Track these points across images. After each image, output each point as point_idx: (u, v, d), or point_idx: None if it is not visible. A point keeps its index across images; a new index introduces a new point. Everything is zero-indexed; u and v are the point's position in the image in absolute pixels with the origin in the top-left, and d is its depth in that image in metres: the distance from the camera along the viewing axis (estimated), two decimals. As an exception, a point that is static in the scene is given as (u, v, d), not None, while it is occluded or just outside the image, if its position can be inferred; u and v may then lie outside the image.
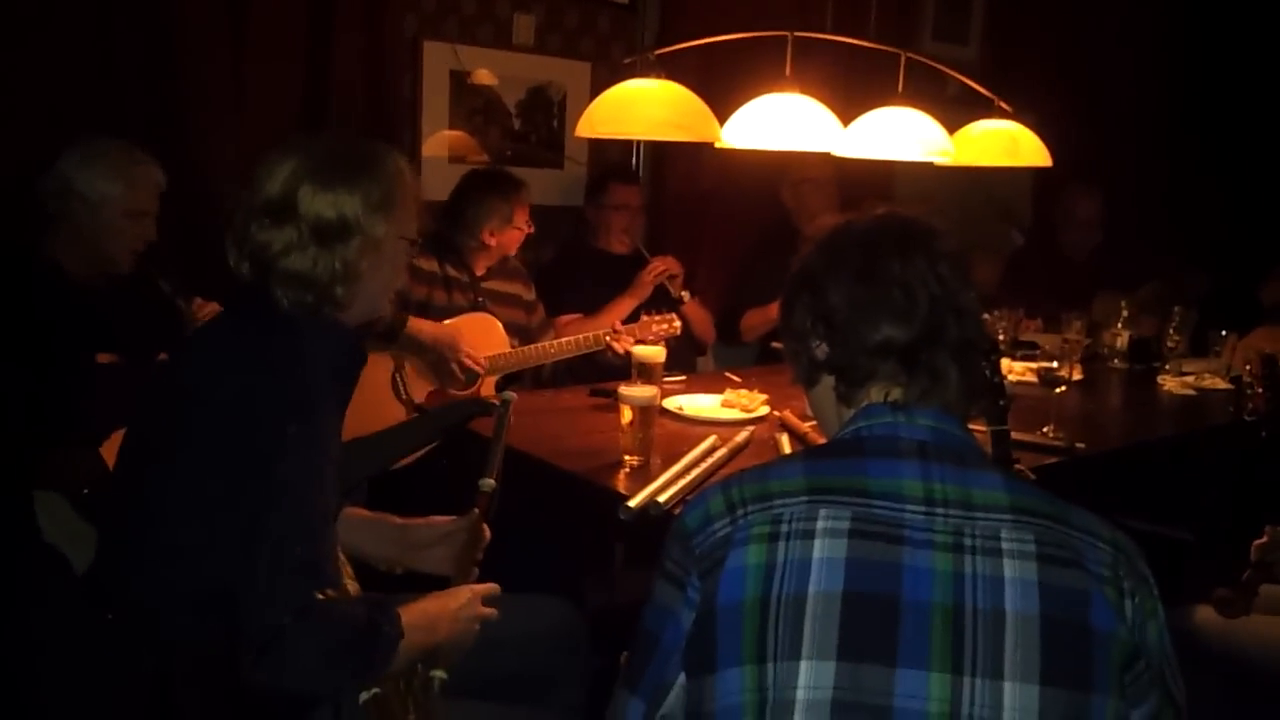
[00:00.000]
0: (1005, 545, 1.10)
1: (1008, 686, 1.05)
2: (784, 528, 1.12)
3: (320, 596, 1.38)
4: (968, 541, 1.11)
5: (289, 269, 1.54)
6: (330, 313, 1.58)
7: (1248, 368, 3.10)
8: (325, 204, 1.54)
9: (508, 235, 3.27)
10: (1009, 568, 1.09)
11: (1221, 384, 3.36)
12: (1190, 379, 3.40)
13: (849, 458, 1.19)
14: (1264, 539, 2.10)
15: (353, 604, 1.44)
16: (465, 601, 1.66)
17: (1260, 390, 2.94)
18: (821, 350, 1.27)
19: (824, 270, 1.27)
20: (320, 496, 1.46)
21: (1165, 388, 3.35)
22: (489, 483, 1.89)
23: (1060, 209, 4.26)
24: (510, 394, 2.06)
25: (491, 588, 1.72)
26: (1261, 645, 2.12)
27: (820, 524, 1.11)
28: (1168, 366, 3.47)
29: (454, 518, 1.89)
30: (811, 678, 1.06)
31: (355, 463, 2.00)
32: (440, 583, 1.73)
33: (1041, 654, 1.06)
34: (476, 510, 1.86)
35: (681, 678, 1.16)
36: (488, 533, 1.86)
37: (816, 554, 1.10)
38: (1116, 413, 3.23)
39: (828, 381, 1.29)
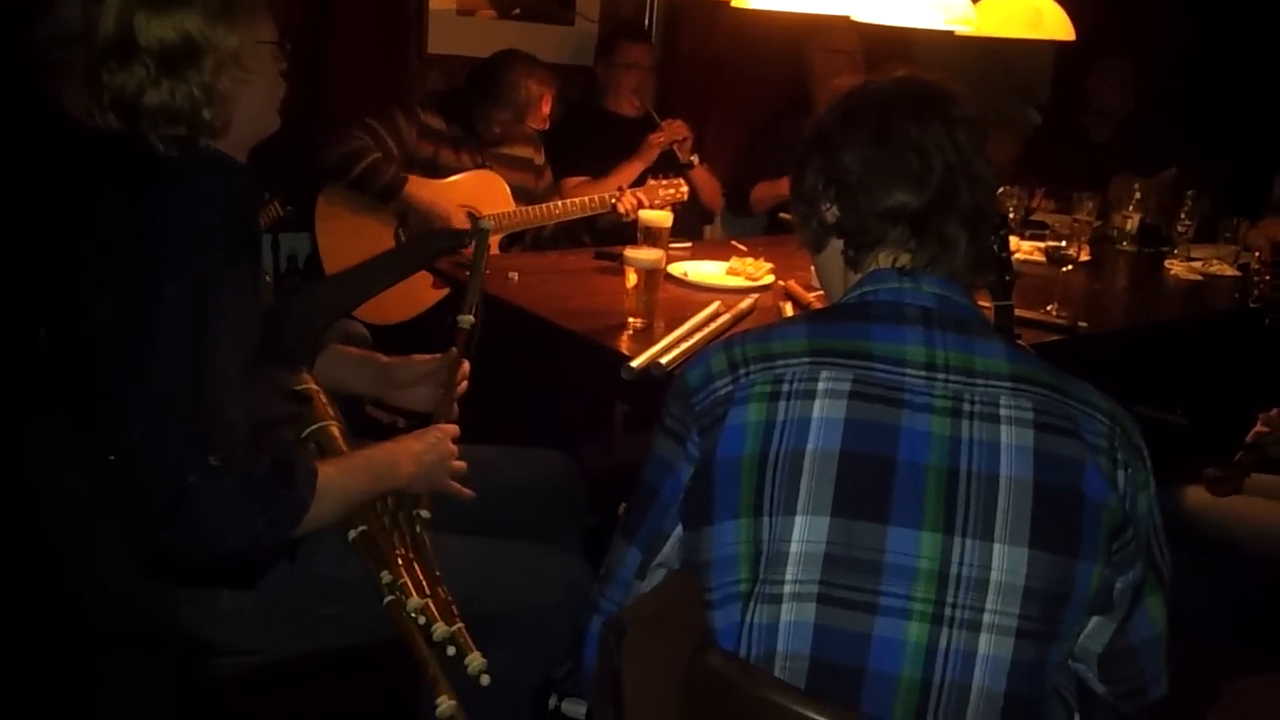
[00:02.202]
0: (1004, 412, 1.12)
1: (997, 548, 1.08)
2: (785, 387, 1.13)
3: (212, 460, 1.35)
4: (966, 407, 1.12)
5: (149, 107, 1.44)
6: (209, 142, 1.50)
7: (1256, 255, 3.09)
8: (164, 27, 1.43)
9: (525, 124, 3.35)
10: (1006, 434, 1.11)
11: (1229, 270, 3.34)
12: (1198, 264, 3.37)
13: (853, 321, 1.20)
14: (1260, 426, 2.13)
15: (255, 457, 1.41)
16: (431, 441, 1.67)
17: (1268, 277, 2.94)
18: (831, 213, 1.26)
19: (838, 131, 1.25)
20: (213, 355, 1.40)
21: (1172, 272, 3.34)
22: (468, 319, 1.88)
23: (1093, 73, 4.15)
24: (487, 223, 2.03)
25: (453, 429, 1.73)
26: (1245, 525, 2.16)
27: (821, 384, 1.12)
28: (1176, 251, 3.45)
29: (435, 356, 1.89)
30: (805, 531, 1.09)
31: (328, 300, 1.99)
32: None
33: (1032, 518, 1.09)
34: (454, 348, 1.86)
35: (678, 529, 1.20)
36: (467, 368, 1.87)
37: (816, 413, 1.11)
38: (1121, 294, 3.22)
39: (835, 245, 1.28)
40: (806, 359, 1.14)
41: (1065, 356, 2.39)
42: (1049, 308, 2.57)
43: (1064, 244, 2.72)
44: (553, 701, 1.78)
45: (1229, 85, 4.48)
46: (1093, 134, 4.18)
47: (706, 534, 1.14)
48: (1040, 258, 2.98)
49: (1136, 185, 3.56)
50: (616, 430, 3.31)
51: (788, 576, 1.09)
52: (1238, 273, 3.28)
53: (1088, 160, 3.97)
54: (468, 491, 1.72)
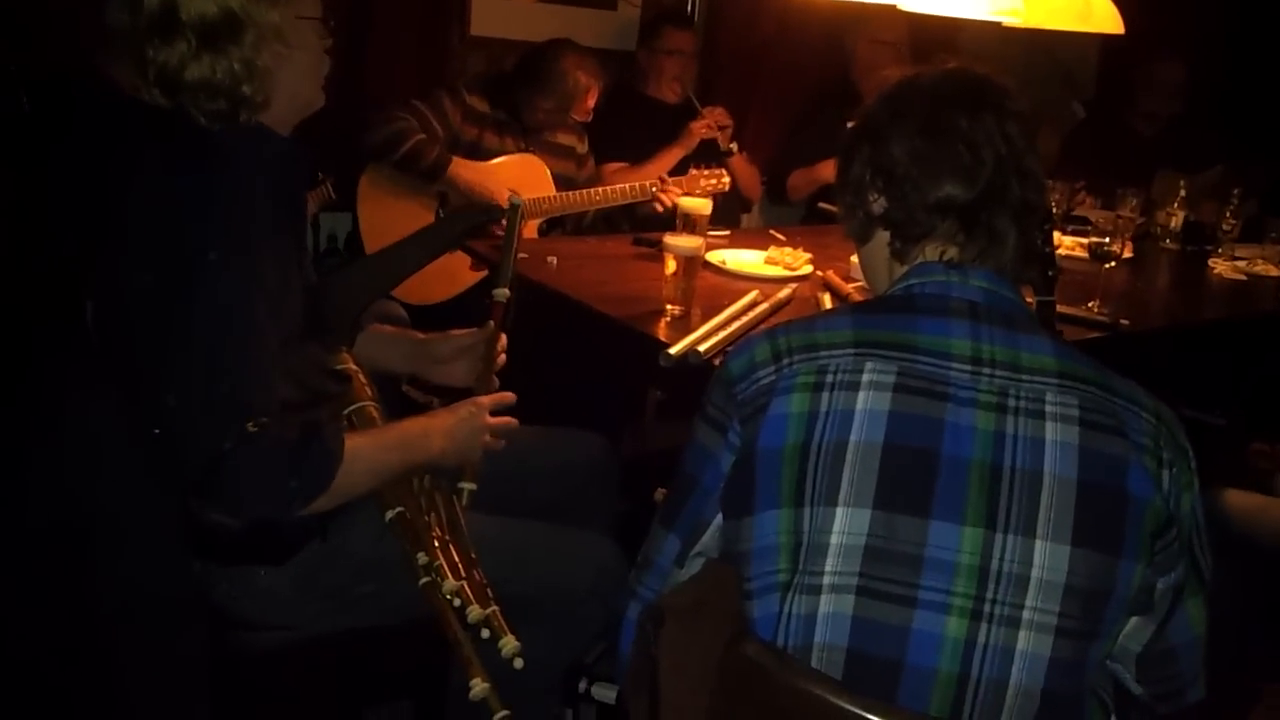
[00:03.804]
0: (1049, 408, 1.11)
1: (1039, 545, 1.07)
2: (829, 378, 1.13)
3: (250, 426, 1.37)
4: (1011, 402, 1.11)
5: (191, 81, 1.45)
6: (251, 116, 1.50)
7: (1303, 256, 3.05)
8: (206, 2, 1.44)
9: (569, 115, 3.33)
10: (1051, 430, 1.10)
11: (1274, 271, 3.30)
12: (1242, 264, 3.33)
13: (899, 313, 1.19)
14: None
15: (285, 426, 1.43)
16: (464, 415, 1.68)
17: (1315, 279, 2.90)
18: (879, 204, 1.25)
19: (887, 122, 1.24)
20: (252, 323, 1.42)
21: (1216, 271, 3.29)
22: (503, 292, 1.88)
23: (1142, 73, 4.10)
24: (518, 198, 2.03)
25: (502, 397, 1.74)
26: None
27: (866, 376, 1.12)
28: (1220, 250, 3.40)
29: (471, 330, 1.90)
30: (847, 523, 1.08)
31: (365, 280, 2.00)
32: None
33: (1075, 516, 1.08)
34: (492, 322, 1.87)
35: (718, 518, 1.20)
36: (504, 341, 1.88)
37: (860, 405, 1.11)
38: (1164, 292, 3.18)
39: (882, 237, 1.27)
40: (851, 350, 1.14)
41: (1106, 354, 2.34)
42: (1090, 304, 2.54)
43: (1107, 240, 2.69)
44: (583, 685, 1.79)
45: (1276, 84, 4.41)
46: (1138, 130, 4.13)
47: (747, 524, 1.14)
48: (1082, 253, 2.95)
49: (1182, 182, 3.51)
50: (650, 416, 3.31)
51: (827, 568, 1.08)
52: (1283, 274, 3.24)
53: (1131, 156, 3.93)
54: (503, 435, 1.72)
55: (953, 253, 1.21)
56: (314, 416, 1.56)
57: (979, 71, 1.27)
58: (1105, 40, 4.07)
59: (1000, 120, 1.20)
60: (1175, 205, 3.47)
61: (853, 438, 1.10)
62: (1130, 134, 4.14)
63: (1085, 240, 3.01)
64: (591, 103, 3.33)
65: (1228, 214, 3.43)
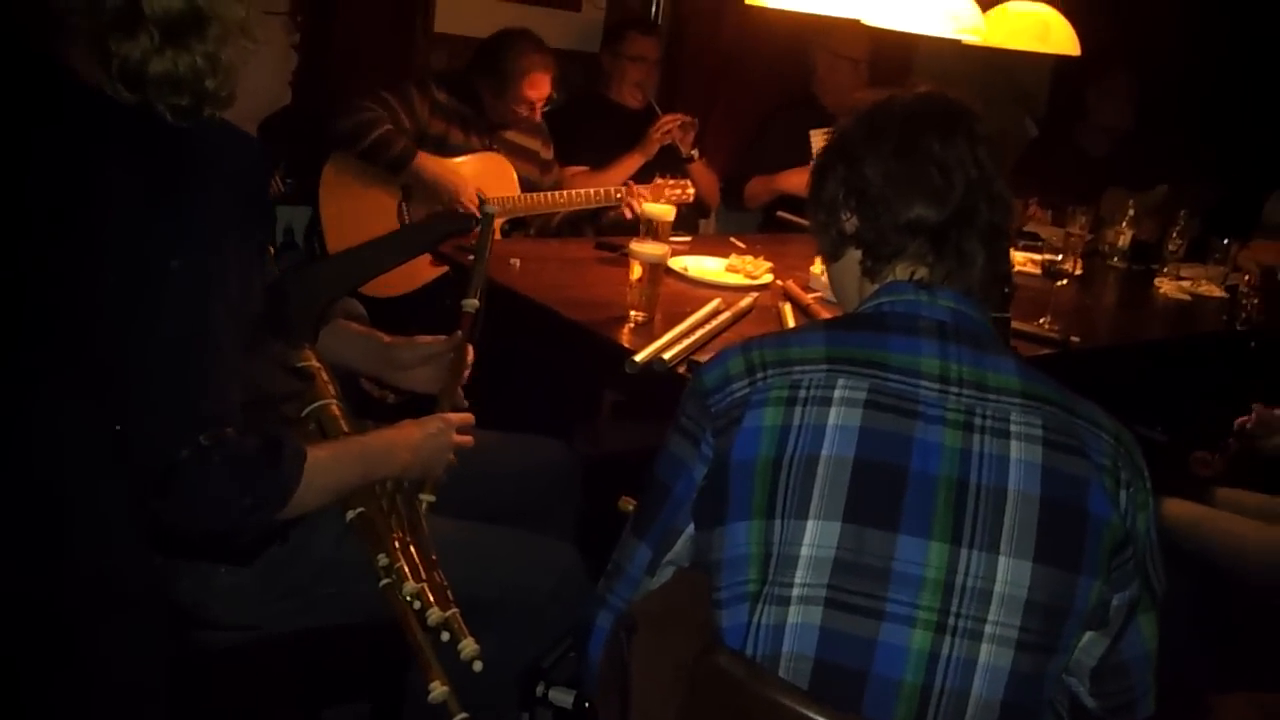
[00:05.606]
0: (1014, 428, 1.14)
1: (1002, 560, 1.10)
2: (802, 393, 1.15)
3: (206, 438, 1.35)
4: (978, 421, 1.14)
5: (154, 76, 1.42)
6: (215, 112, 1.47)
7: (1246, 279, 3.13)
8: None
9: (512, 102, 3.28)
10: (1015, 449, 1.13)
11: (1217, 291, 3.38)
12: (1187, 284, 3.41)
13: (870, 331, 1.21)
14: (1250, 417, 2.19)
15: (246, 436, 1.41)
16: (433, 430, 1.67)
17: (1256, 301, 2.98)
18: (851, 223, 1.28)
19: (861, 143, 1.27)
20: (213, 333, 1.40)
21: (1161, 290, 3.37)
22: (472, 303, 1.88)
23: (1095, 90, 4.18)
24: (491, 207, 2.02)
25: (467, 418, 1.74)
26: (1222, 542, 2.20)
27: (838, 392, 1.14)
28: (1166, 270, 3.49)
29: (439, 338, 1.89)
30: (817, 536, 1.10)
31: (332, 277, 1.99)
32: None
33: (1038, 533, 1.11)
34: (460, 332, 1.86)
35: (690, 527, 1.21)
36: (471, 353, 1.88)
37: (832, 420, 1.13)
38: (1111, 310, 3.26)
39: (853, 256, 1.30)
40: (824, 366, 1.16)
41: (1057, 370, 2.39)
42: (1042, 320, 2.60)
43: (1060, 258, 2.75)
44: (540, 689, 1.80)
45: (1226, 105, 4.52)
46: (1088, 148, 4.21)
47: (718, 534, 1.15)
48: (1034, 269, 3.01)
49: (1131, 201, 3.59)
50: (604, 417, 3.32)
51: (797, 579, 1.11)
52: (1225, 294, 3.32)
53: (1081, 173, 4.01)
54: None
55: (922, 273, 1.24)
56: (276, 423, 1.55)
57: (950, 96, 1.30)
58: (1058, 60, 4.15)
59: (972, 144, 1.24)
60: (1124, 224, 3.55)
61: (824, 452, 1.12)
62: (1080, 152, 4.22)
63: (1037, 256, 3.07)
64: (544, 90, 3.27)
65: (1174, 234, 3.51)
